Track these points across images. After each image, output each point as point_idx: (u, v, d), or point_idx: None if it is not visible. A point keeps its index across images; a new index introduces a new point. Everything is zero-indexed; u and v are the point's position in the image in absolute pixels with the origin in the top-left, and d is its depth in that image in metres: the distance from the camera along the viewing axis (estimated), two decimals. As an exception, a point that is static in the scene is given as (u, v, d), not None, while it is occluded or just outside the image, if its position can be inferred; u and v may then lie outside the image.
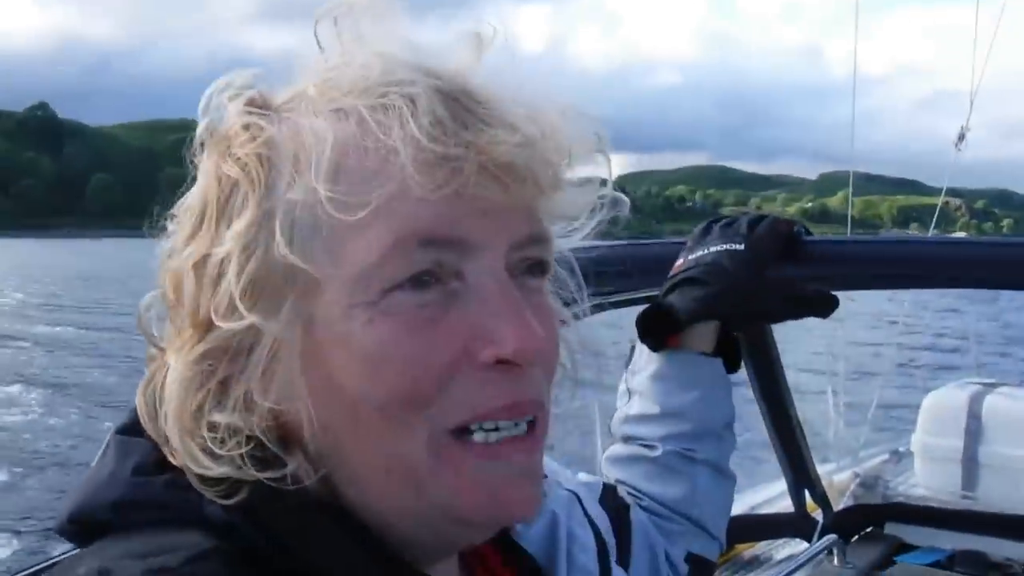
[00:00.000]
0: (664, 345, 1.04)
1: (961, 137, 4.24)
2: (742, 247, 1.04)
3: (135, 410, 0.62)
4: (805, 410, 1.89)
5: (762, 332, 1.56)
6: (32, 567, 0.86)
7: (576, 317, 0.71)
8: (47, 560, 0.86)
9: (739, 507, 2.44)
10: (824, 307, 1.05)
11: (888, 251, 1.25)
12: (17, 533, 8.19)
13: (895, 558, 2.20)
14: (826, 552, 2.04)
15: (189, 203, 0.60)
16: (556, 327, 0.62)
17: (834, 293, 1.06)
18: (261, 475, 0.55)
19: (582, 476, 1.00)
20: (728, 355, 1.07)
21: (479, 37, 0.60)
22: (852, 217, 5.34)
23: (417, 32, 0.60)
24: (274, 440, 0.56)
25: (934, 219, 4.66)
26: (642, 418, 1.04)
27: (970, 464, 2.55)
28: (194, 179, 0.61)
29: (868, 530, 2.32)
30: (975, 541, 2.20)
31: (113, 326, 22.20)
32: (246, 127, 0.57)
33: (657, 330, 1.04)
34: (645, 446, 1.04)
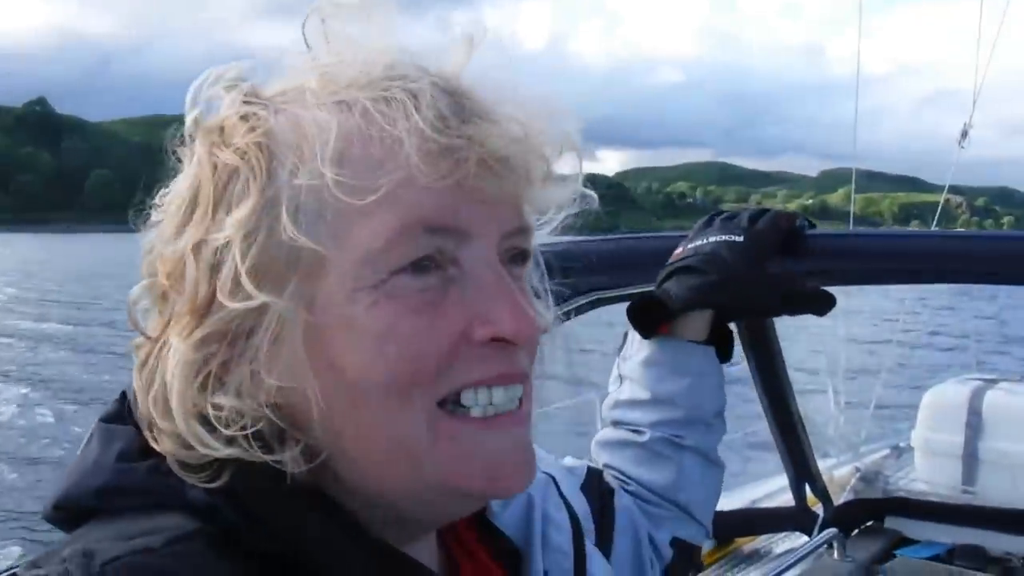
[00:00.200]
0: (655, 332, 1.05)
1: (964, 134, 4.24)
2: (741, 239, 1.04)
3: (119, 399, 0.64)
4: (806, 407, 1.90)
5: (764, 326, 1.56)
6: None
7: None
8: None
9: (740, 501, 2.46)
10: (821, 305, 1.05)
11: (891, 245, 1.24)
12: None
13: (895, 552, 2.21)
14: (826, 546, 2.05)
15: (177, 191, 0.61)
16: (537, 312, 0.65)
17: (833, 291, 1.07)
18: (268, 457, 0.56)
19: (568, 460, 1.01)
20: (721, 344, 1.08)
21: (472, 36, 0.62)
22: (851, 214, 5.35)
23: (416, 28, 0.63)
24: (283, 421, 0.58)
25: (936, 216, 4.66)
26: (632, 403, 1.06)
27: (970, 459, 2.56)
28: (175, 169, 0.62)
29: (868, 524, 2.34)
30: (974, 535, 2.21)
31: (106, 321, 22.06)
32: (244, 117, 0.58)
33: (647, 318, 1.05)
34: (634, 431, 1.05)
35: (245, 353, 0.57)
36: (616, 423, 1.08)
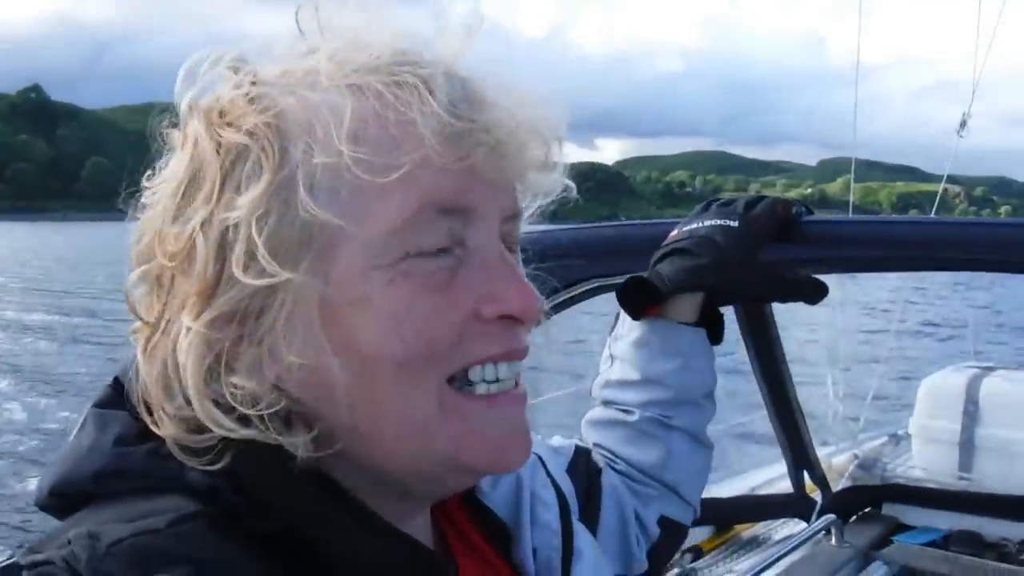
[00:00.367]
0: (645, 314, 1.06)
1: (963, 123, 4.23)
2: (736, 224, 1.05)
3: (112, 385, 0.64)
4: (804, 397, 1.91)
5: (762, 313, 1.57)
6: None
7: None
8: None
9: (739, 488, 2.47)
10: (814, 293, 1.06)
11: (888, 232, 1.22)
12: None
13: (892, 537, 2.23)
14: (824, 532, 2.07)
15: (172, 173, 0.60)
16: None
17: (831, 280, 1.07)
18: (284, 438, 0.57)
19: (555, 440, 1.02)
20: (712, 327, 1.09)
21: (469, 25, 0.63)
22: (851, 204, 5.34)
23: (412, 16, 0.64)
24: (297, 400, 0.58)
25: (935, 205, 4.66)
26: (622, 383, 1.07)
27: (967, 446, 2.58)
28: (159, 152, 0.62)
29: (866, 510, 2.35)
30: (970, 521, 2.23)
31: (87, 309, 21.42)
32: (251, 99, 0.58)
33: (638, 299, 1.06)
34: (623, 411, 1.06)
35: (257, 332, 0.57)
36: (606, 402, 1.09)
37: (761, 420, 1.98)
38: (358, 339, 0.57)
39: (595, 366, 1.14)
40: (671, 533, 1.05)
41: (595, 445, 1.06)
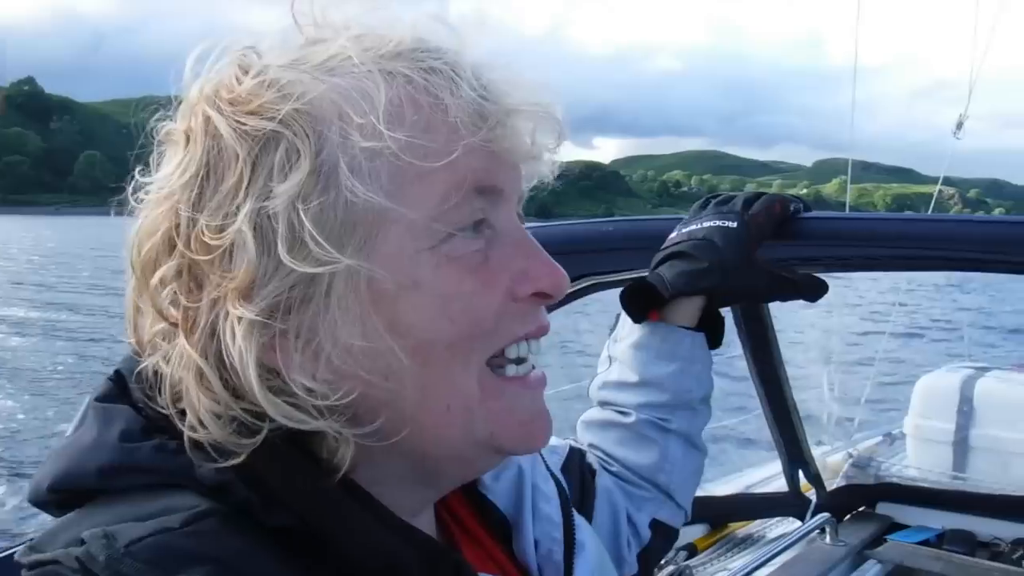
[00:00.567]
0: (646, 317, 1.06)
1: (959, 125, 4.25)
2: (734, 225, 1.05)
3: (112, 379, 0.62)
4: (799, 395, 1.91)
5: (759, 312, 1.57)
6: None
7: None
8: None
9: (734, 486, 2.47)
10: (813, 291, 1.06)
11: (885, 228, 1.21)
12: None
13: (886, 536, 2.23)
14: (819, 530, 2.07)
15: (180, 167, 0.58)
16: None
17: (826, 279, 1.07)
18: (356, 430, 0.57)
19: (550, 440, 1.02)
20: (712, 331, 1.09)
21: (472, 20, 0.64)
22: (847, 205, 5.35)
23: (413, 11, 0.64)
24: (373, 388, 0.58)
25: (930, 207, 4.68)
26: (620, 385, 1.06)
27: (961, 446, 2.59)
28: (148, 148, 0.61)
29: (860, 509, 2.36)
30: (964, 520, 2.23)
31: (68, 304, 21.18)
32: (270, 86, 0.57)
33: (640, 302, 1.06)
34: (620, 412, 1.06)
35: (308, 320, 0.56)
36: (603, 403, 1.09)
37: (753, 419, 1.98)
38: (408, 322, 0.57)
39: (590, 366, 1.14)
40: (662, 537, 1.06)
41: (590, 446, 1.06)
